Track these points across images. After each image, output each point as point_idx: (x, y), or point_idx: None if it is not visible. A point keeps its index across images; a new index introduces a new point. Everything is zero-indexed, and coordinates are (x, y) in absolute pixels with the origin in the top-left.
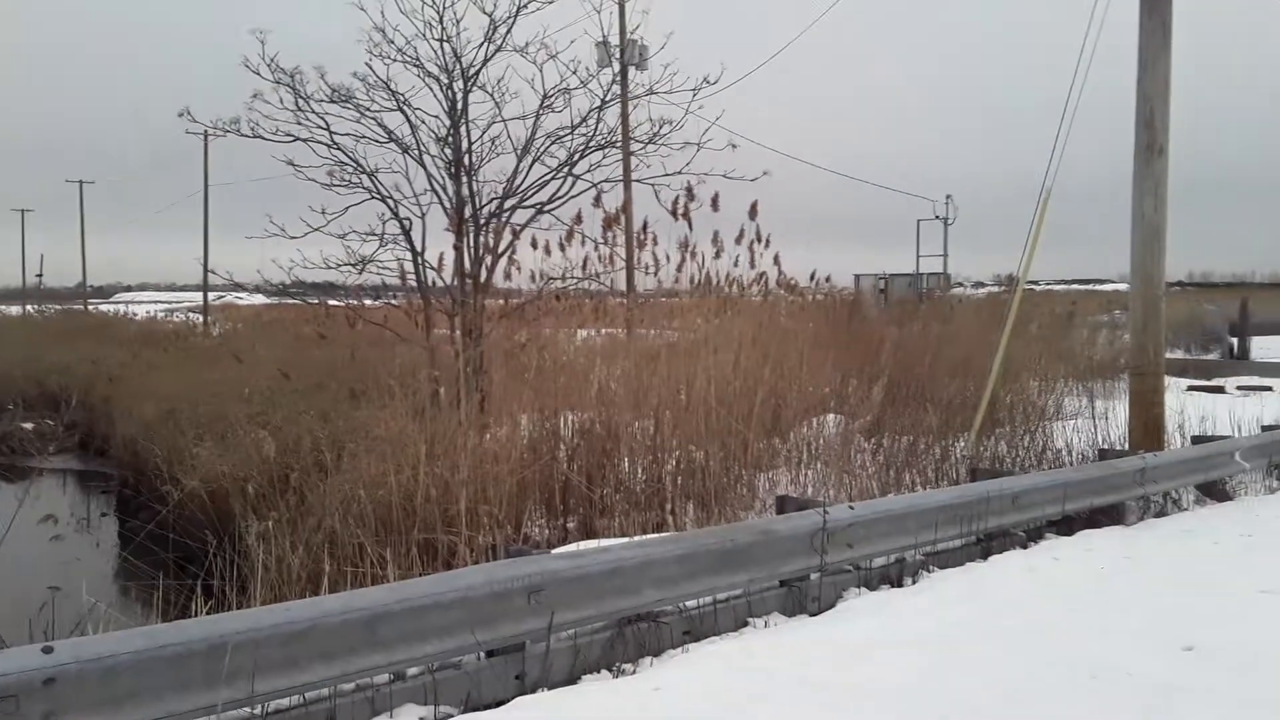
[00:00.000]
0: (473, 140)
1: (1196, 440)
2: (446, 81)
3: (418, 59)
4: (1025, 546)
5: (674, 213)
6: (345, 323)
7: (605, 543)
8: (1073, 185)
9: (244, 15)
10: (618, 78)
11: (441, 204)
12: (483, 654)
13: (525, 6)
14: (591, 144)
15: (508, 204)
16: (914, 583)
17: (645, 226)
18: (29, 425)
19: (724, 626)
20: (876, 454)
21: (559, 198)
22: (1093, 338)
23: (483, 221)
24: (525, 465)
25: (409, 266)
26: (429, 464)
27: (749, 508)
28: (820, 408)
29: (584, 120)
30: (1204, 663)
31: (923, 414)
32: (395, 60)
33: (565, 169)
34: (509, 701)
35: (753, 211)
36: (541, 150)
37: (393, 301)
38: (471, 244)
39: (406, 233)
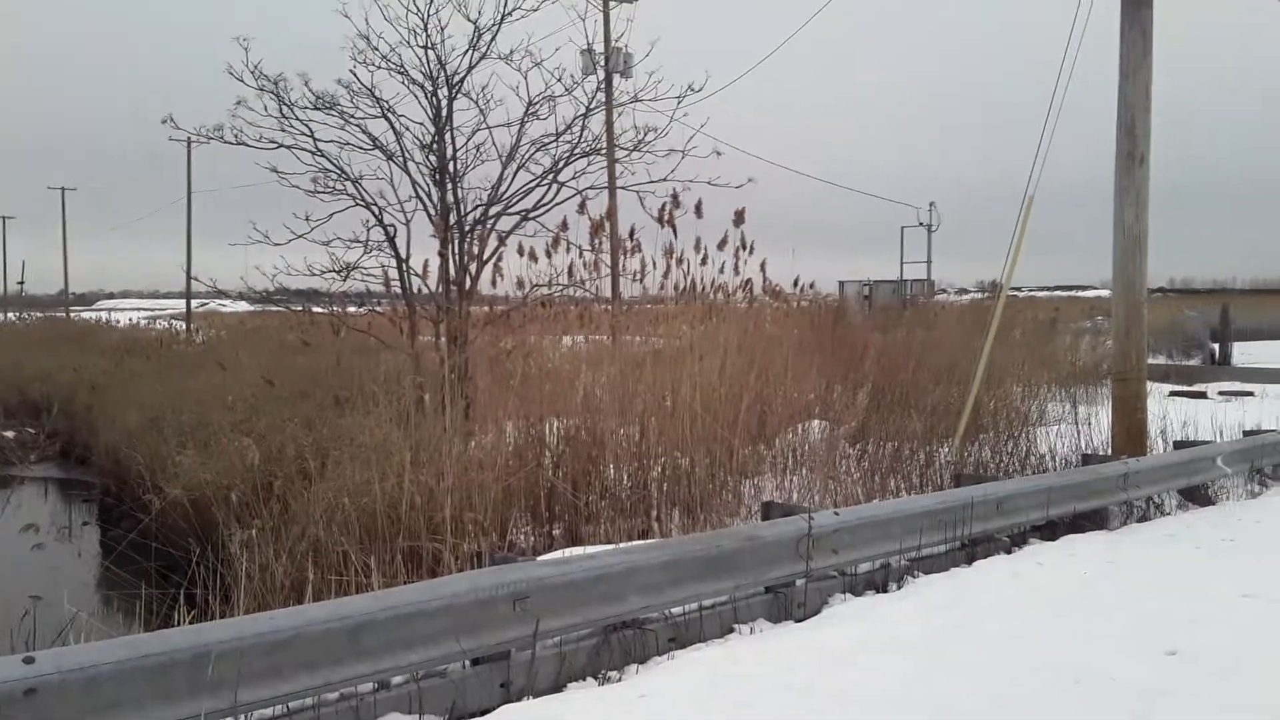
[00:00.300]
0: (457, 147)
1: (1179, 445)
2: (431, 88)
3: (402, 66)
4: (1010, 551)
5: (659, 219)
6: (330, 330)
7: (591, 549)
8: (1057, 192)
9: (244, 16)
10: (602, 85)
11: (426, 211)
12: (468, 662)
13: (510, 14)
14: (576, 151)
15: (493, 211)
16: (899, 588)
17: (631, 233)
18: (10, 433)
19: (710, 633)
20: (861, 460)
21: (544, 204)
22: (1076, 344)
23: (468, 228)
24: (510, 472)
25: (394, 273)
26: (414, 471)
27: (734, 514)
28: (805, 414)
29: (569, 127)
30: (1187, 667)
31: (907, 420)
32: (380, 67)
33: (550, 176)
34: (494, 710)
35: (738, 218)
36: (526, 157)
37: (377, 308)
38: (456, 251)
39: (391, 239)
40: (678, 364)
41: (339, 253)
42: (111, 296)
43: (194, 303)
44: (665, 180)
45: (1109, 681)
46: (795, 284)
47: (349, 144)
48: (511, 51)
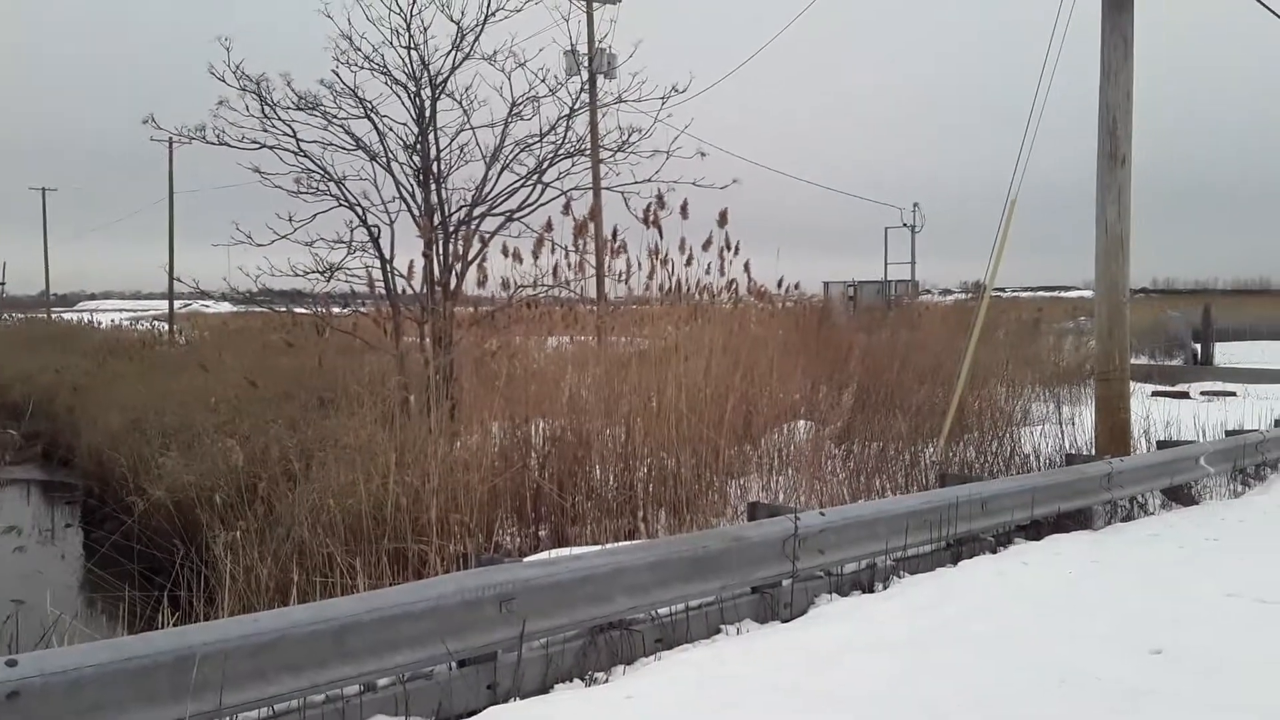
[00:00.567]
0: (441, 148)
1: (1162, 445)
2: (414, 89)
3: (385, 66)
4: (995, 551)
5: (644, 220)
6: (313, 331)
7: (577, 550)
8: (1041, 194)
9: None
10: (586, 86)
11: (410, 211)
12: (454, 664)
13: (493, 14)
14: (560, 152)
15: (477, 211)
16: (885, 588)
17: (615, 234)
18: None
19: (696, 634)
20: (847, 460)
21: (528, 205)
22: (1059, 344)
23: (452, 229)
24: (496, 473)
25: (378, 274)
26: (399, 472)
27: (721, 514)
28: (791, 414)
29: (553, 128)
30: (1171, 666)
31: (892, 420)
32: (363, 67)
33: (534, 176)
34: (481, 711)
35: (722, 219)
36: (510, 158)
37: (361, 309)
38: (441, 251)
39: (375, 240)
40: (663, 365)
41: (323, 253)
42: (93, 297)
43: (177, 304)
44: (650, 181)
45: (1094, 681)
46: (780, 284)
47: (332, 144)
48: (495, 52)
